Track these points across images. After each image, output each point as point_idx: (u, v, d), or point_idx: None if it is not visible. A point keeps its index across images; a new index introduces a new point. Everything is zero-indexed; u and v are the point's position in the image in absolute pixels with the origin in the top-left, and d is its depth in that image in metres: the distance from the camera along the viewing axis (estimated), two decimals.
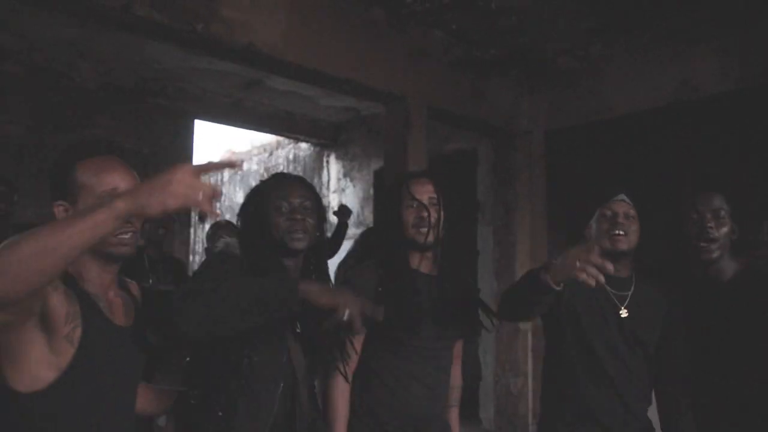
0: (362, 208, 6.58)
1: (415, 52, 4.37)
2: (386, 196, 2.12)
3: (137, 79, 5.24)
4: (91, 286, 1.37)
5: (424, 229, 1.95)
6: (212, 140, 7.27)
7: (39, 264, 1.01)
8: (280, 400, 1.63)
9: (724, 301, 2.00)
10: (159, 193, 1.08)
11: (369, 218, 6.44)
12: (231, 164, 1.21)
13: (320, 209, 1.84)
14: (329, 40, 3.89)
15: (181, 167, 1.11)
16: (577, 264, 1.50)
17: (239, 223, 1.83)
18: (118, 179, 1.38)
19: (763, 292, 1.97)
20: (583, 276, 1.49)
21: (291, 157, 7.72)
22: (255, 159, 8.32)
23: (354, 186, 6.78)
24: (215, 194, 1.14)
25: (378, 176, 6.33)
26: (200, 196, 1.11)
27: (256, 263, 1.66)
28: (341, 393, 1.89)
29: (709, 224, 1.98)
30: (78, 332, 1.28)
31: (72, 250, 1.04)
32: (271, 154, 8.05)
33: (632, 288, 2.04)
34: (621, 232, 1.99)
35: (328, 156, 7.13)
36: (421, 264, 2.02)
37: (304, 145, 7.37)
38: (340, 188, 6.93)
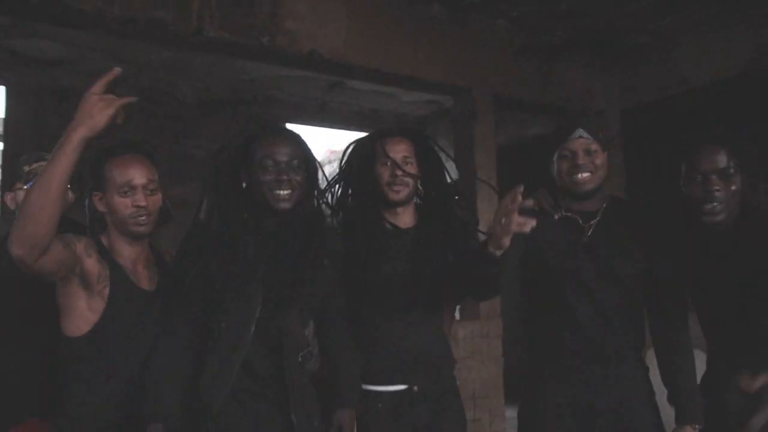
0: None
1: (477, 44, 4.47)
2: (358, 153, 2.08)
3: (231, 92, 5.71)
4: (120, 258, 1.72)
5: (397, 188, 1.96)
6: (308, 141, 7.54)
7: (43, 202, 1.40)
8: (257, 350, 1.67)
9: (726, 245, 1.82)
10: (89, 115, 1.42)
11: None
12: (111, 74, 1.47)
13: (311, 166, 1.79)
14: (390, 40, 4.08)
15: (87, 93, 1.44)
16: (502, 221, 1.47)
17: (219, 178, 1.77)
18: (133, 172, 1.70)
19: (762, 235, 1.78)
20: (515, 229, 1.47)
21: None
22: None
23: None
24: (123, 100, 1.47)
25: None
26: (113, 102, 1.44)
27: (227, 226, 1.68)
28: None
29: (715, 187, 1.76)
30: (107, 291, 1.65)
31: (61, 183, 1.42)
32: None
33: (600, 213, 1.90)
34: (584, 174, 1.84)
35: None
36: (398, 218, 2.04)
37: None
38: None
